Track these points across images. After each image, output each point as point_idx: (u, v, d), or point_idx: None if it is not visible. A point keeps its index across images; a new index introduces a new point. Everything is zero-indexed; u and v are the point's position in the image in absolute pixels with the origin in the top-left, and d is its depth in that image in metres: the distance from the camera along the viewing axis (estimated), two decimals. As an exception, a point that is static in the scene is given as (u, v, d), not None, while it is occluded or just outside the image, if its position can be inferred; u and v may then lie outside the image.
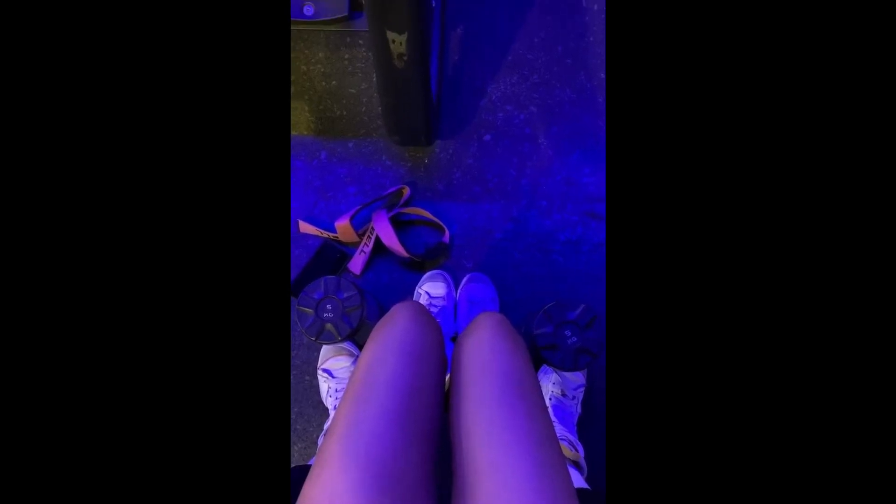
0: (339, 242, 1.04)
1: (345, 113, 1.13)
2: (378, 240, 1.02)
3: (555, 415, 0.85)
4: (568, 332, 0.77)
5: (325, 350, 0.94)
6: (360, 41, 1.16)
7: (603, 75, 1.14)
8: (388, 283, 1.04)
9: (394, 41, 0.75)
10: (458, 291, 0.99)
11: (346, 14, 0.87)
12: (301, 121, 1.12)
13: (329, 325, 0.78)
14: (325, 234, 1.03)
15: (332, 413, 0.90)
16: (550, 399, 0.87)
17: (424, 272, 1.01)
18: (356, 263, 1.03)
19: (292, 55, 1.15)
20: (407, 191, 1.05)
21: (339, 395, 0.89)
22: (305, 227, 1.03)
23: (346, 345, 0.93)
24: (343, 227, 1.01)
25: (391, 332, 0.55)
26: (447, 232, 1.04)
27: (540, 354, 0.77)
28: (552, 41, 1.16)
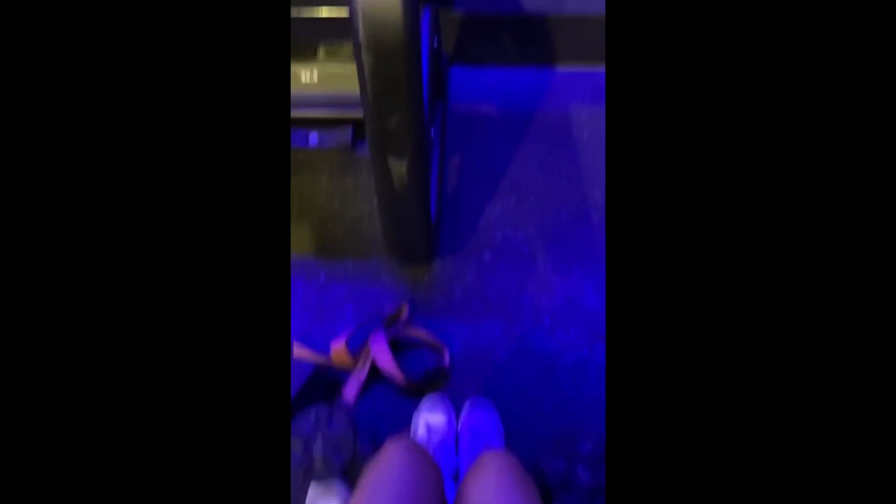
0: (334, 367, 0.99)
1: (346, 235, 1.14)
2: (374, 363, 0.97)
3: (572, 568, 0.74)
4: (581, 469, 0.70)
5: (314, 490, 0.85)
6: (362, 166, 1.21)
7: (596, 195, 1.17)
8: (384, 411, 0.97)
9: (395, 166, 0.77)
10: (460, 420, 0.92)
11: (349, 143, 0.91)
12: (302, 242, 1.13)
13: (318, 462, 0.72)
14: (319, 358, 0.99)
15: (317, 568, 0.79)
16: (566, 550, 0.76)
17: (423, 396, 0.95)
18: (350, 390, 0.97)
19: (296, 180, 1.19)
20: (406, 308, 1.03)
21: (326, 545, 0.79)
22: (299, 352, 0.99)
23: (336, 484, 0.84)
24: (338, 351, 0.97)
25: (382, 475, 0.50)
26: (447, 354, 1.00)
27: (551, 495, 0.69)
28: (547, 166, 1.21)
